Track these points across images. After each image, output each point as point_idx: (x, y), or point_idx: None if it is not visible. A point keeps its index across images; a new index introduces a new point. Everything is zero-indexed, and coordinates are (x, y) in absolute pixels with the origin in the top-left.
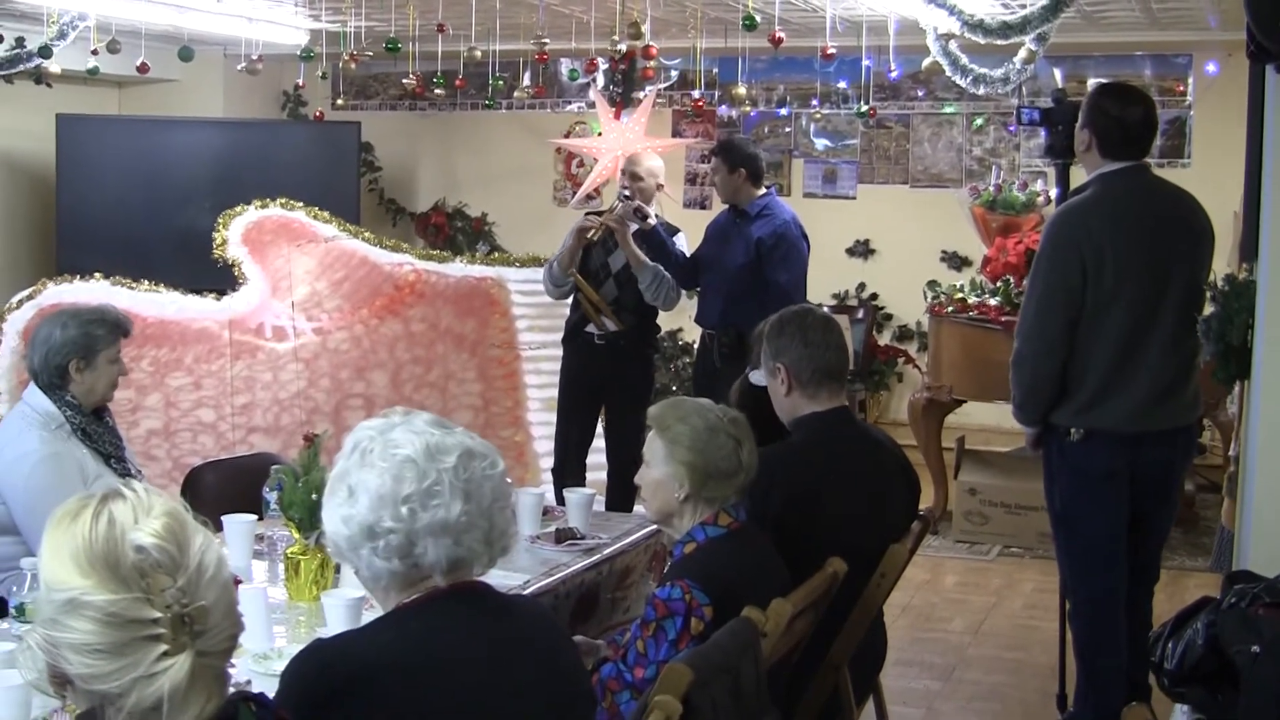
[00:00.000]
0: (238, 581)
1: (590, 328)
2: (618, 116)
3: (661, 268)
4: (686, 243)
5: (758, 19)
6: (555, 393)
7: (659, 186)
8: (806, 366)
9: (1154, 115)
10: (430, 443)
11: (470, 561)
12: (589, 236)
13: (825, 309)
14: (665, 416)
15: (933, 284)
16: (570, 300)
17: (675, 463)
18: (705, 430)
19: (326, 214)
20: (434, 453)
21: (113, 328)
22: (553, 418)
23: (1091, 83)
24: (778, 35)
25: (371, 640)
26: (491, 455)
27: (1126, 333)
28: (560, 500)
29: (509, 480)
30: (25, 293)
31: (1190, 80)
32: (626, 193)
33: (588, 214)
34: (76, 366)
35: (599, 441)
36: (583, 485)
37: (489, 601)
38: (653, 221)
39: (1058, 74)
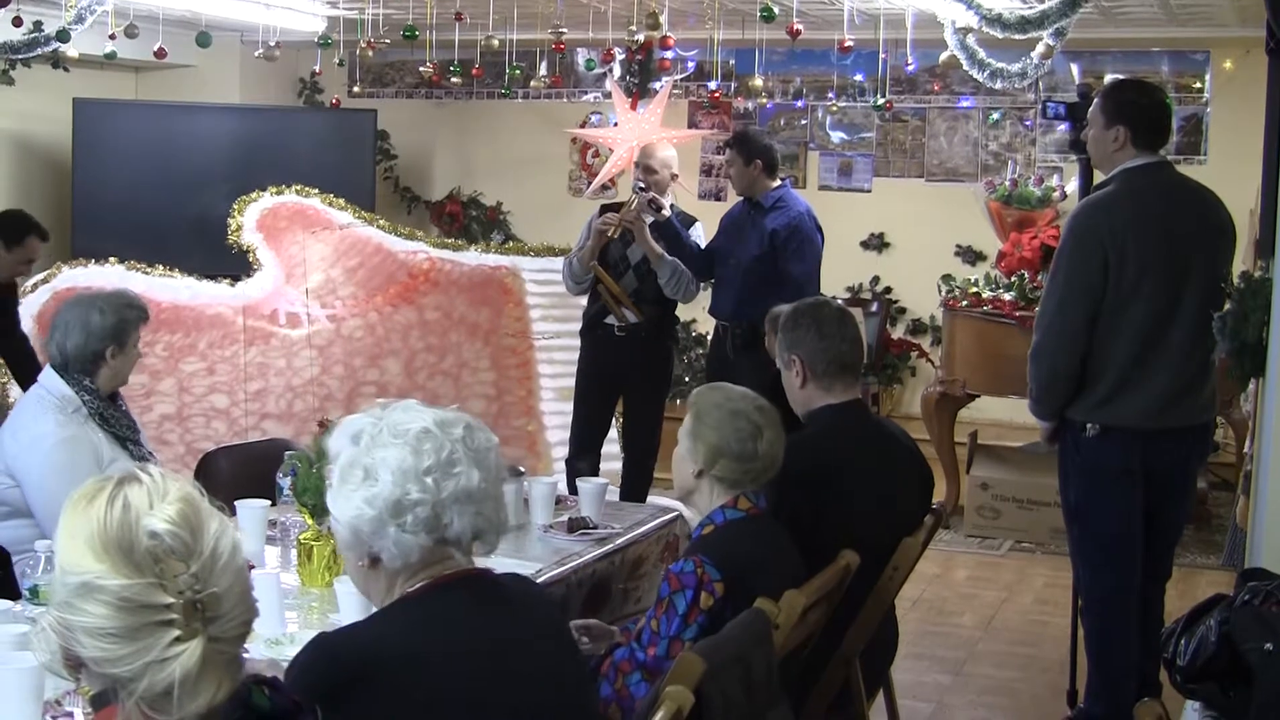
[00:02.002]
0: (251, 567)
1: (610, 319)
2: (634, 107)
3: (679, 262)
4: (704, 233)
5: (775, 11)
6: (569, 382)
7: (673, 177)
8: (821, 358)
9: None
10: (436, 416)
11: (487, 533)
12: (608, 235)
13: (839, 302)
14: (701, 397)
15: (947, 278)
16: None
17: (693, 438)
18: (729, 411)
19: (342, 201)
20: (443, 424)
21: (140, 311)
22: (566, 407)
23: (1109, 78)
24: (795, 27)
25: (379, 631)
26: (485, 427)
27: (1146, 328)
28: (573, 490)
29: (521, 468)
30: (40, 276)
31: (1207, 77)
32: (641, 184)
33: (604, 206)
34: (111, 352)
35: (612, 431)
36: (596, 475)
37: (491, 589)
38: (667, 213)
39: (1075, 69)
